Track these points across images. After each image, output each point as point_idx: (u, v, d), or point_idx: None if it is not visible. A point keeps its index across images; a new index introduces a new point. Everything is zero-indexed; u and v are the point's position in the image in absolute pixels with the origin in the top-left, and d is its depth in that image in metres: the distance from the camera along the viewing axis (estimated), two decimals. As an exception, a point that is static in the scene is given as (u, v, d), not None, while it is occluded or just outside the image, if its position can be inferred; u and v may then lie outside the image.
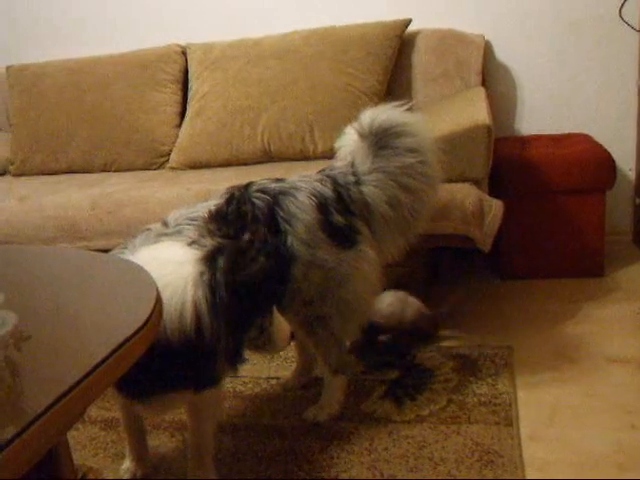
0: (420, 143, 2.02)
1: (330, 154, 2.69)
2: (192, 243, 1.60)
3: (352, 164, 2.04)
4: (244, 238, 1.64)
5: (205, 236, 1.63)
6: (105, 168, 3.17)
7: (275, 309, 1.68)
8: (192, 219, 1.74)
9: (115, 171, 3.15)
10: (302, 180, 1.97)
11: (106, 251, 2.48)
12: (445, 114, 2.57)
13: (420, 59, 3.03)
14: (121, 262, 1.27)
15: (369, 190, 2.00)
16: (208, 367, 1.56)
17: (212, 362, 1.56)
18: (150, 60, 3.23)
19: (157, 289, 1.06)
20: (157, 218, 2.44)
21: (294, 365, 2.28)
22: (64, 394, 0.81)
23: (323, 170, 2.05)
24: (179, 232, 1.68)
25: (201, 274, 1.53)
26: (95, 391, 0.84)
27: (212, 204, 1.83)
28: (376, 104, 2.84)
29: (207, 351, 1.51)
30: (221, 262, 1.53)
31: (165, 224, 1.74)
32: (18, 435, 0.74)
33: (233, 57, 3.05)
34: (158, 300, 1.02)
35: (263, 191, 1.89)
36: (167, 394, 1.60)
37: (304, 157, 2.87)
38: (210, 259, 1.55)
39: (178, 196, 2.56)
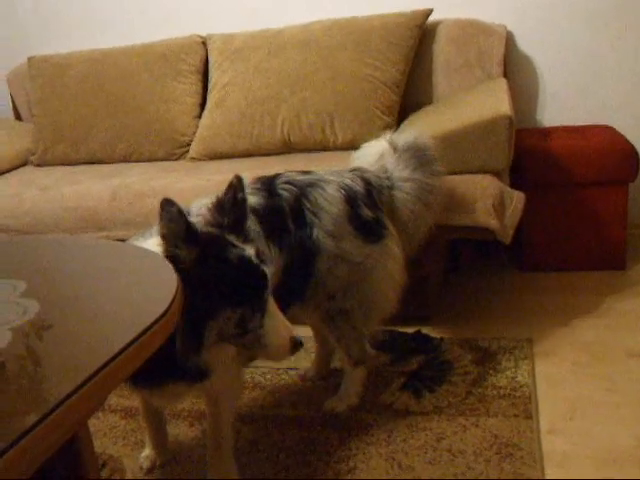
0: (440, 170, 2.15)
1: (350, 145, 2.70)
2: None
3: (386, 170, 2.06)
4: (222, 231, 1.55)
5: (202, 223, 1.61)
6: (125, 158, 3.18)
7: (272, 313, 1.51)
8: None
9: (135, 161, 3.16)
10: (332, 174, 1.98)
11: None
12: (466, 105, 2.56)
13: (441, 49, 3.01)
14: (141, 251, 1.28)
15: (401, 196, 2.05)
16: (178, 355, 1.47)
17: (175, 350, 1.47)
18: (171, 51, 3.23)
19: (177, 278, 1.07)
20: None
21: (313, 356, 2.29)
22: (84, 382, 0.81)
23: (355, 170, 2.05)
24: (200, 222, 1.68)
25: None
26: (115, 379, 0.84)
27: None
28: (397, 95, 2.87)
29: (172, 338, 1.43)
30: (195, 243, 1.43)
31: (188, 213, 1.74)
32: (40, 422, 0.75)
33: (254, 47, 3.05)
34: (178, 289, 1.02)
35: (290, 183, 1.89)
36: (170, 384, 1.57)
37: (324, 148, 2.87)
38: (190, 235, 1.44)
39: (198, 186, 2.56)
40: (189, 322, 1.40)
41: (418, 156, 2.10)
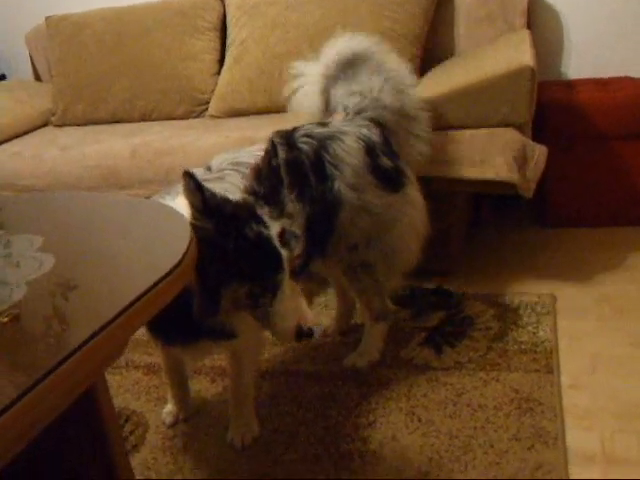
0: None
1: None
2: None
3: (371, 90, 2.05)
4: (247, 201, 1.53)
5: (235, 191, 1.59)
6: (145, 117, 3.18)
7: (285, 296, 1.48)
8: (236, 164, 1.72)
9: (155, 120, 3.16)
10: (347, 124, 1.96)
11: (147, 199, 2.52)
12: (487, 57, 2.51)
13: (463, 1, 2.95)
14: (155, 205, 1.28)
15: (418, 128, 2.06)
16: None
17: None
18: (189, 7, 3.20)
19: (190, 230, 1.07)
20: (197, 166, 2.45)
21: (334, 312, 2.29)
22: (102, 329, 0.82)
23: (357, 112, 2.00)
24: (221, 178, 1.66)
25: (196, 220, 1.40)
26: (131, 327, 0.86)
27: (256, 149, 1.81)
28: (417, 48, 2.82)
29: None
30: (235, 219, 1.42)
31: (208, 169, 1.72)
32: (61, 363, 0.76)
33: (271, 2, 3.01)
34: (192, 240, 1.02)
35: (309, 135, 1.87)
36: (200, 342, 1.60)
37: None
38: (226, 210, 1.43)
39: (218, 144, 2.55)
40: (204, 286, 1.41)
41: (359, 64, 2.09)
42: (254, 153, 1.77)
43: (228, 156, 1.76)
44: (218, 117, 3.03)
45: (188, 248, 1.01)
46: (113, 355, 0.91)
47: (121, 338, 0.88)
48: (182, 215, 1.19)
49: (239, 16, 3.09)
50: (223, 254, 1.40)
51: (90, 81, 3.24)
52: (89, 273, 1.03)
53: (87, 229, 1.20)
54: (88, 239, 1.15)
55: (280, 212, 1.49)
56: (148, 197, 2.34)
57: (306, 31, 2.89)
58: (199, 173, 1.71)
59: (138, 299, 0.87)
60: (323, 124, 1.96)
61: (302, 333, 1.45)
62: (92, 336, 0.81)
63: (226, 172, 1.68)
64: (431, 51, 2.92)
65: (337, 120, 2.00)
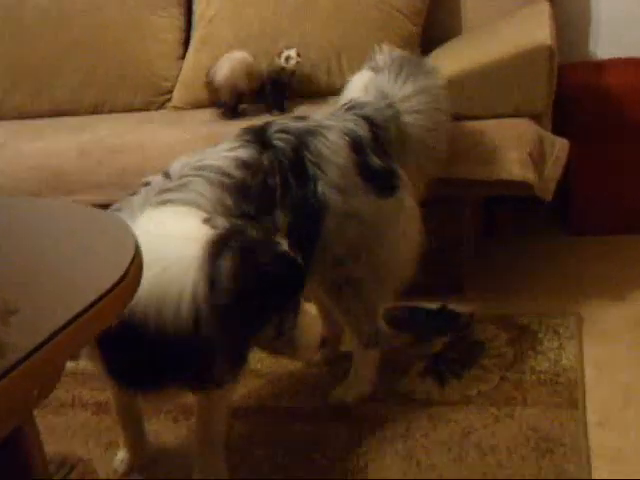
0: (436, 68, 2.21)
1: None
2: (206, 220, 1.57)
3: (384, 96, 2.06)
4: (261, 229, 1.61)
5: (221, 213, 1.62)
6: (96, 109, 3.18)
7: (304, 309, 1.64)
8: (199, 168, 1.73)
9: (108, 112, 3.16)
10: (329, 117, 1.98)
11: (97, 206, 2.53)
12: (499, 34, 2.55)
13: (471, -31, 2.99)
14: (97, 213, 1.30)
15: (412, 119, 2.07)
16: (205, 367, 1.57)
17: (209, 363, 1.56)
18: (147, -22, 3.23)
19: (136, 243, 1.08)
20: (158, 167, 2.46)
21: (319, 337, 2.30)
22: (33, 351, 0.83)
23: (353, 107, 2.04)
24: (184, 185, 1.68)
25: (205, 261, 1.51)
26: (60, 358, 0.86)
27: (222, 150, 1.82)
28: (417, 25, 2.85)
29: (204, 349, 1.52)
30: (226, 261, 1.50)
31: (167, 176, 1.73)
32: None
33: (245, -29, 3.04)
34: (137, 253, 1.04)
35: (285, 131, 1.89)
36: (164, 389, 1.62)
37: (330, 92, 2.83)
38: (217, 247, 1.52)
39: (182, 141, 2.57)
40: (229, 348, 1.47)
41: (409, 63, 2.14)
42: (221, 154, 1.79)
43: (190, 160, 1.78)
44: (183, 109, 3.03)
45: (132, 262, 1.02)
46: (44, 387, 0.91)
47: (53, 366, 0.89)
48: (127, 225, 1.20)
49: (207, -11, 3.12)
50: (247, 305, 1.48)
51: (31, 66, 3.24)
52: (20, 290, 1.04)
53: (18, 240, 1.22)
54: (19, 252, 1.17)
55: (275, 228, 1.55)
56: (100, 205, 2.37)
57: (284, 6, 2.92)
58: (157, 181, 1.73)
59: (72, 321, 0.88)
60: (301, 118, 1.98)
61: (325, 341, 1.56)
62: (18, 362, 0.82)
63: (189, 179, 1.70)
64: (433, 29, 2.94)
65: (318, 114, 2.02)
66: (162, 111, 3.10)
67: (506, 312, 2.42)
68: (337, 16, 2.85)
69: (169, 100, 3.12)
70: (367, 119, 1.99)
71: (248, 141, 1.86)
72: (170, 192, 1.67)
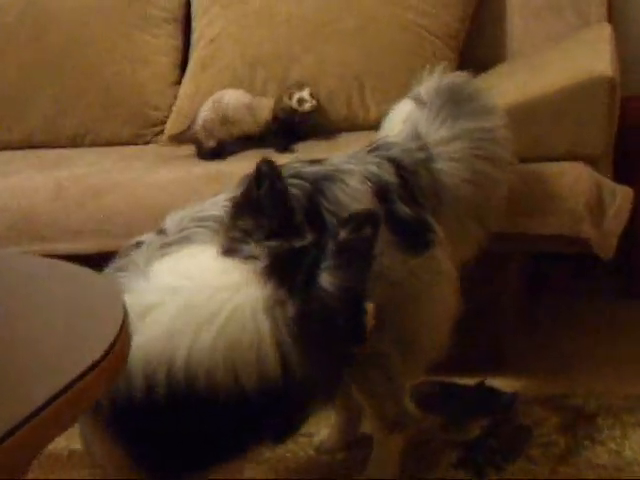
0: (494, 105, 2.17)
1: (386, 121, 2.72)
2: (228, 251, 1.57)
3: (416, 136, 2.07)
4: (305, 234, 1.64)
5: (240, 239, 1.61)
6: (75, 142, 3.21)
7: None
8: (200, 220, 1.74)
9: (89, 145, 3.20)
10: (349, 160, 1.98)
11: (74, 258, 2.53)
12: (550, 63, 2.56)
13: (518, -14, 3.03)
14: (79, 271, 1.30)
15: (446, 167, 2.05)
16: (295, 412, 1.61)
17: (300, 406, 1.60)
18: (139, -11, 3.27)
19: (124, 307, 1.09)
20: (148, 211, 2.49)
21: (333, 418, 2.29)
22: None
23: (374, 148, 2.06)
24: (187, 238, 1.68)
25: (272, 298, 1.50)
26: (28, 448, 0.86)
27: (224, 200, 1.83)
28: (453, 50, 2.88)
29: (295, 394, 1.53)
30: (298, 278, 1.51)
31: (162, 232, 1.74)
32: None
33: (254, -14, 3.09)
34: (125, 322, 1.05)
35: (298, 176, 1.88)
36: (242, 455, 1.63)
37: (351, 126, 2.88)
38: (277, 278, 1.51)
39: (176, 180, 2.58)
40: (325, 379, 1.56)
41: (455, 99, 2.11)
42: (222, 204, 1.79)
43: (187, 212, 1.79)
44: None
45: (120, 331, 1.03)
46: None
47: (23, 457, 0.89)
48: (114, 286, 1.22)
49: (209, 4, 3.16)
50: (337, 326, 1.55)
51: None
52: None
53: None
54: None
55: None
56: (81, 255, 2.38)
57: (300, 26, 2.97)
58: (149, 239, 1.73)
59: (46, 404, 0.88)
60: (315, 161, 1.98)
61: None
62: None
63: (191, 231, 1.71)
64: (472, 54, 2.98)
65: (336, 156, 2.02)
66: (153, 145, 3.13)
67: (557, 391, 2.41)
68: (360, 39, 2.89)
69: (161, 133, 3.15)
70: (393, 162, 1.98)
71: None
72: (170, 246, 1.67)
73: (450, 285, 2.00)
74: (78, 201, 2.63)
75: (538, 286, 2.98)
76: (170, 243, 1.67)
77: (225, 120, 2.78)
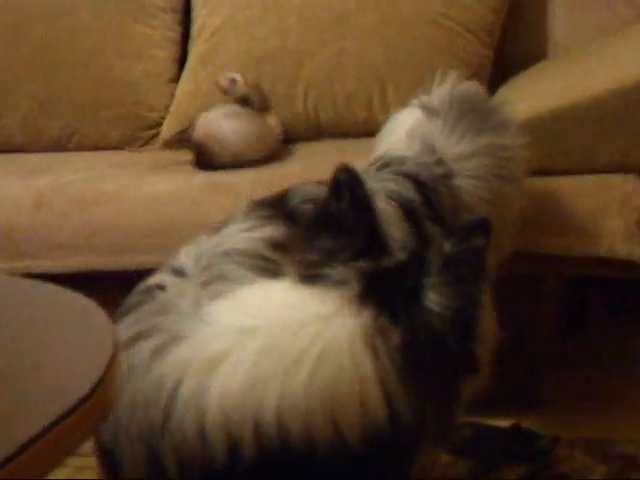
0: (512, 120, 2.18)
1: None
2: (308, 279, 1.52)
3: (431, 149, 2.07)
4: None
5: (321, 263, 1.56)
6: (59, 145, 3.23)
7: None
8: (226, 254, 1.73)
9: (75, 149, 3.21)
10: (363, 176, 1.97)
11: (57, 276, 2.53)
12: (597, 62, 2.57)
13: (562, -28, 3.04)
14: (63, 293, 1.31)
15: (465, 184, 2.05)
16: (403, 457, 1.56)
17: (409, 450, 1.55)
18: (132, -26, 3.30)
19: (116, 337, 1.10)
20: (140, 225, 2.50)
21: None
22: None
23: (384, 164, 2.05)
24: (222, 277, 1.68)
25: (370, 326, 1.45)
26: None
27: (241, 230, 1.81)
28: (487, 46, 2.88)
29: (403, 438, 1.48)
30: (399, 301, 1.46)
31: (179, 272, 1.71)
32: None
33: (262, -30, 3.11)
34: (116, 352, 1.05)
35: (312, 200, 1.87)
36: None
37: (371, 131, 2.87)
38: (374, 298, 1.46)
39: (171, 191, 2.59)
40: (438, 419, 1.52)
41: (473, 112, 2.13)
42: (242, 236, 1.78)
43: (202, 248, 1.77)
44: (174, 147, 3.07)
45: (109, 366, 1.04)
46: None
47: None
48: (101, 311, 1.22)
49: (211, -10, 3.18)
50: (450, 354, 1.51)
51: (-28, 87, 3.30)
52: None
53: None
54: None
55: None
56: (66, 273, 2.39)
57: (314, 17, 2.98)
58: (161, 280, 1.70)
59: (18, 452, 0.88)
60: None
61: None
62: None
63: (221, 268, 1.71)
64: (511, 51, 3.01)
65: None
66: (148, 149, 3.11)
67: (602, 435, 2.41)
68: (382, 33, 2.91)
69: (156, 136, 3.17)
70: (410, 177, 2.00)
71: (268, 217, 1.86)
72: (213, 285, 1.65)
73: (488, 315, 2.00)
74: (62, 213, 2.63)
75: (578, 316, 2.97)
76: (208, 282, 1.65)
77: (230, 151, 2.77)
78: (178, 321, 1.51)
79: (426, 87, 2.24)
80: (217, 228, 1.87)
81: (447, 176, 2.04)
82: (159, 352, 1.46)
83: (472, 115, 2.12)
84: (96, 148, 3.20)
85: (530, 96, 2.50)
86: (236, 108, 2.78)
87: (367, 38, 2.92)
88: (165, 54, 3.24)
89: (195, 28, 3.21)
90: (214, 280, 1.65)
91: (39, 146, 3.25)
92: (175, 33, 3.27)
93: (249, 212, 1.87)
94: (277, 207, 1.88)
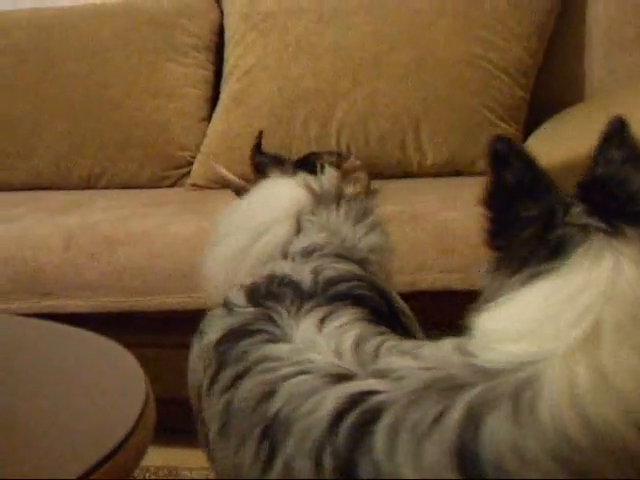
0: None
1: (446, 169, 2.73)
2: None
3: (343, 237, 1.93)
4: None
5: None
6: (88, 184, 3.27)
7: None
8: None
9: (104, 188, 3.25)
10: (302, 264, 1.84)
11: (85, 317, 2.54)
12: (636, 106, 2.57)
13: (599, 12, 3.05)
14: (91, 339, 1.32)
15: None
16: None
17: None
18: (164, 13, 3.34)
19: (146, 384, 1.10)
20: (168, 265, 2.51)
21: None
22: None
23: (305, 253, 1.89)
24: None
25: None
26: None
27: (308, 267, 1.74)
28: (524, 88, 2.89)
29: None
30: None
31: (229, 308, 1.66)
32: None
33: (296, 10, 3.13)
34: (149, 400, 1.05)
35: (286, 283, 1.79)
36: None
37: (405, 173, 2.89)
38: None
39: (202, 231, 2.57)
40: None
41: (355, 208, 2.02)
42: (298, 269, 1.69)
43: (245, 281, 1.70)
44: (205, 187, 3.10)
45: (142, 413, 1.04)
46: None
47: None
48: (132, 358, 1.22)
49: (245, 30, 3.20)
50: None
51: (3, 125, 3.33)
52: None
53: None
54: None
55: None
56: (93, 313, 2.40)
57: (348, 58, 3.01)
58: (249, 310, 1.62)
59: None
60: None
61: None
62: None
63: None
64: (547, 92, 3.01)
65: (281, 264, 1.87)
66: (177, 189, 3.17)
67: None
68: (418, 74, 2.92)
69: (187, 175, 3.19)
70: (343, 257, 1.84)
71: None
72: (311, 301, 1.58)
73: None
74: (90, 253, 2.64)
75: None
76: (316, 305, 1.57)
77: None
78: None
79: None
80: None
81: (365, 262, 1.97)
82: None
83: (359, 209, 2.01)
84: (125, 186, 3.23)
85: (563, 141, 2.48)
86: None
87: (401, 79, 2.93)
88: (197, 93, 3.27)
89: (227, 67, 3.23)
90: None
91: (68, 184, 3.29)
92: (207, 72, 3.31)
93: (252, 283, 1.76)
94: (250, 293, 1.76)
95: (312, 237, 1.90)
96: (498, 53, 2.90)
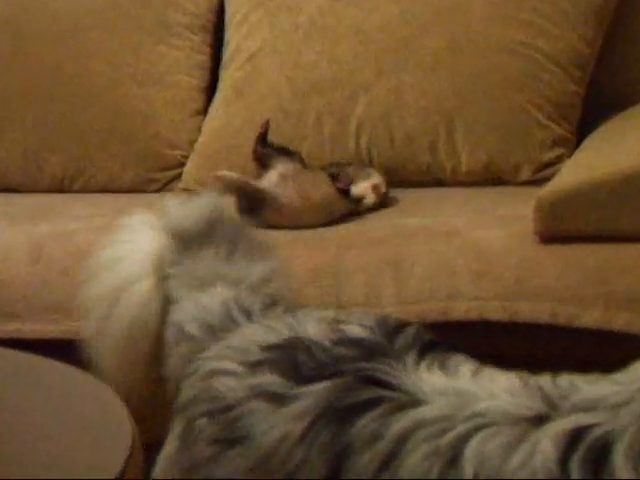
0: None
1: (484, 176, 2.73)
2: None
3: (237, 280, 1.93)
4: None
5: None
6: (62, 186, 3.26)
7: None
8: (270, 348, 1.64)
9: (80, 191, 3.24)
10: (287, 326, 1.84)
11: (56, 342, 2.53)
12: None
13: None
14: (72, 374, 1.31)
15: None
16: None
17: None
18: (156, -11, 3.32)
19: (133, 427, 1.10)
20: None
21: None
22: None
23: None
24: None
25: None
26: None
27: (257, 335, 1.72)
28: (579, 83, 2.88)
29: None
30: None
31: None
32: None
33: (307, -12, 3.12)
34: (134, 446, 1.05)
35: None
36: None
37: (435, 180, 2.89)
38: None
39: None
40: None
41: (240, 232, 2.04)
42: (319, 336, 1.67)
43: (242, 341, 1.68)
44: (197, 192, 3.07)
45: (128, 460, 1.04)
46: None
47: None
48: (115, 396, 1.21)
49: (249, 8, 3.19)
50: None
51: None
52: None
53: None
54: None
55: None
56: (64, 340, 2.39)
57: (369, 43, 2.99)
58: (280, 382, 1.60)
59: None
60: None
61: None
62: None
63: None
64: (606, 87, 3.01)
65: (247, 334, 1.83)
66: (166, 193, 3.11)
67: None
68: (450, 63, 2.92)
69: (178, 178, 3.19)
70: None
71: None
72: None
73: None
74: (62, 267, 2.64)
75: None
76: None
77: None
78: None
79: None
80: None
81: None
82: None
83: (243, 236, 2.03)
84: (105, 190, 3.22)
85: (621, 143, 2.48)
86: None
87: (432, 68, 2.92)
88: (191, 81, 3.26)
89: (228, 51, 3.23)
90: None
91: (38, 186, 3.27)
92: (204, 56, 3.29)
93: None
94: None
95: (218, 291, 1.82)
96: (547, 40, 2.88)
